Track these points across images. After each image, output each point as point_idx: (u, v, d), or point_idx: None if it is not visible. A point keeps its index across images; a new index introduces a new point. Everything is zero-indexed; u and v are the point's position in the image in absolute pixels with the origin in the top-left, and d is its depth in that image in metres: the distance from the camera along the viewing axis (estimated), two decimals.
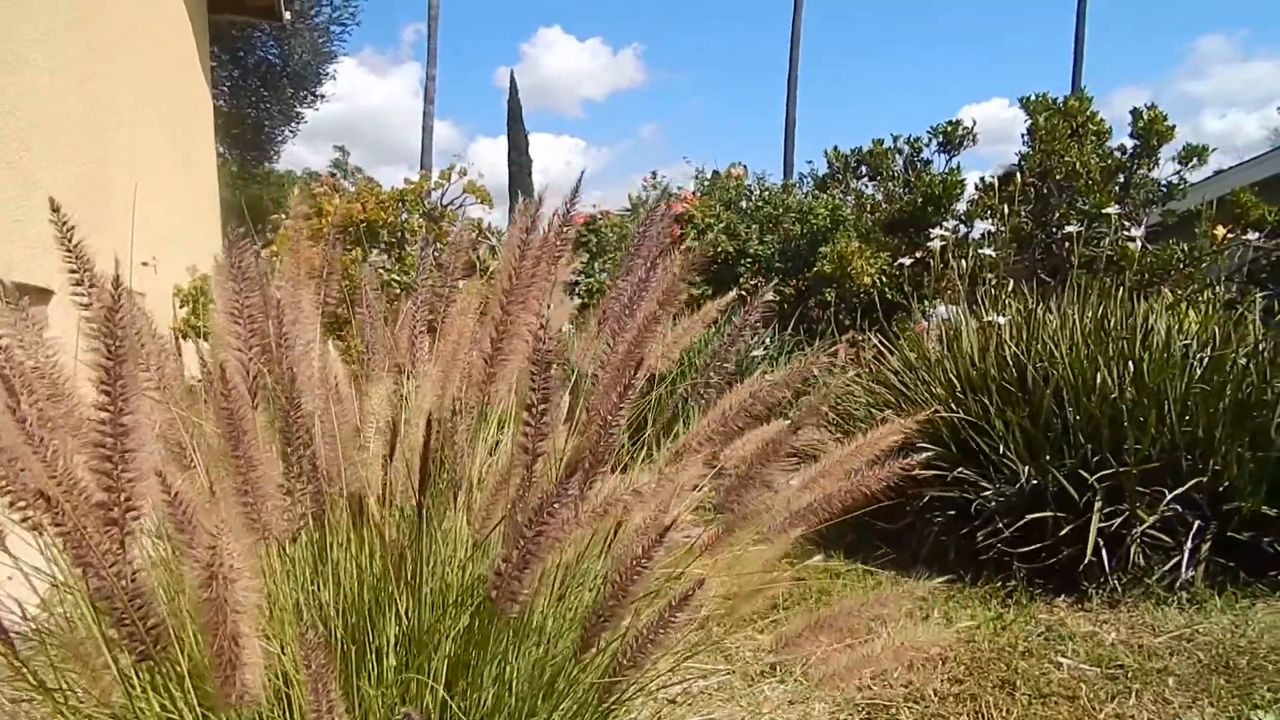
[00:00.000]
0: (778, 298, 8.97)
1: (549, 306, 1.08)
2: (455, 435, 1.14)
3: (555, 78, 63.77)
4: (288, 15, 8.90)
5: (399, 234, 4.12)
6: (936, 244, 3.57)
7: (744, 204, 9.74)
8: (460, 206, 4.61)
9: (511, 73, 36.02)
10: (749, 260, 8.84)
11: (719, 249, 8.74)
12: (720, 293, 6.02)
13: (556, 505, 0.83)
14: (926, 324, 4.30)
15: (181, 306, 5.28)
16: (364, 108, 57.92)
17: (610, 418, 0.92)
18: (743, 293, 7.13)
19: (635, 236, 1.33)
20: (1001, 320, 3.24)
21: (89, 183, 4.52)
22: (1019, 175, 4.47)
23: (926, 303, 4.46)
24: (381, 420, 1.13)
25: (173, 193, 5.95)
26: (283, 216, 4.41)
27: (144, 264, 5.20)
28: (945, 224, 3.71)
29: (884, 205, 6.00)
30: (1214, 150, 5.05)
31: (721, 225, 8.93)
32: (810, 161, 7.99)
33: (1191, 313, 4.49)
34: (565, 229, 1.08)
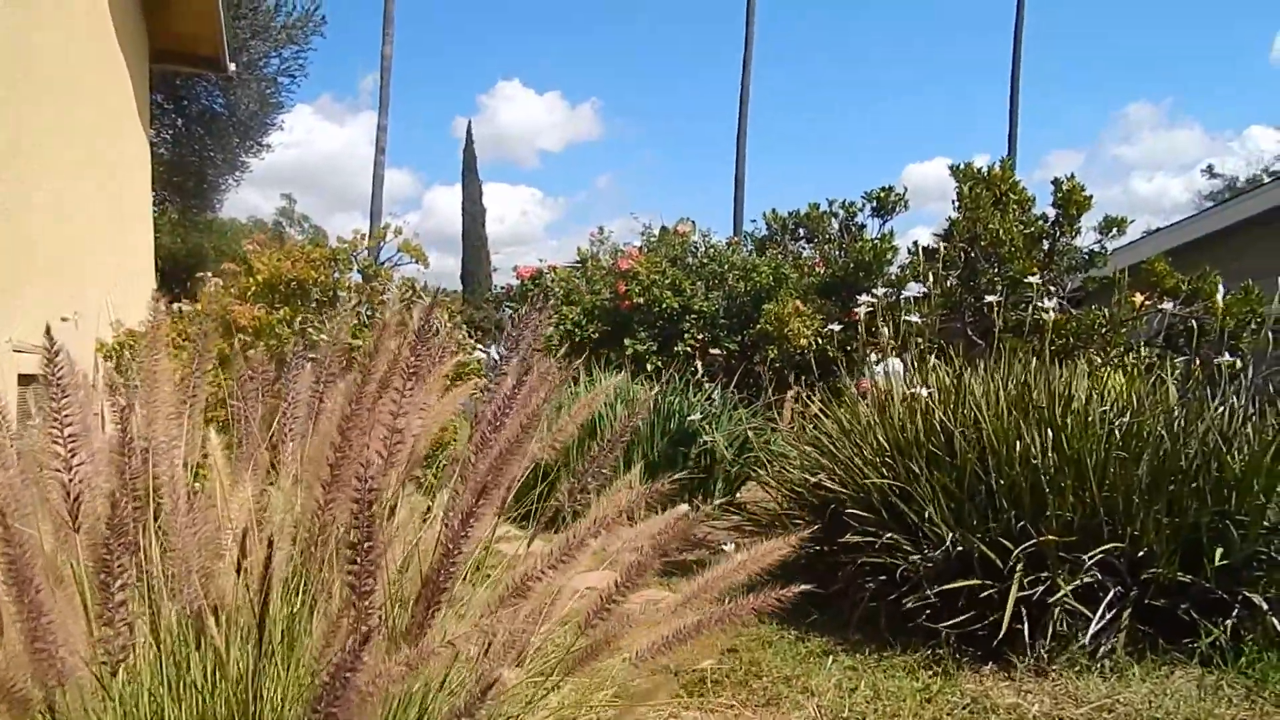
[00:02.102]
0: (722, 354, 9.05)
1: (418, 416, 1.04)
2: (317, 548, 1.09)
3: (513, 129, 64.43)
4: (233, 67, 8.86)
5: (330, 292, 4.05)
6: (864, 310, 3.64)
7: (690, 260, 9.86)
8: (396, 265, 4.58)
9: (469, 123, 36.23)
10: (694, 316, 8.92)
11: (664, 305, 8.81)
12: (665, 349, 6.04)
13: (352, 672, 0.76)
14: (870, 381, 4.35)
15: (105, 360, 5.12)
16: (320, 154, 57.72)
17: (453, 546, 0.89)
18: (687, 349, 7.15)
19: (508, 339, 1.31)
20: (925, 392, 3.29)
21: (12, 237, 4.38)
22: (947, 242, 4.60)
23: (869, 360, 4.51)
24: (238, 528, 1.08)
25: (103, 244, 5.81)
26: (208, 276, 4.32)
27: (64, 319, 5.05)
28: (875, 290, 3.78)
29: (818, 270, 6.11)
30: (1132, 221, 5.28)
31: (667, 281, 9.01)
32: (754, 221, 8.14)
33: (1116, 376, 4.63)
34: (424, 342, 1.04)
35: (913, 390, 3.34)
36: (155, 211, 14.93)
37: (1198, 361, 3.91)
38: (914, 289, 5.10)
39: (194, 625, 1.04)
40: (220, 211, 17.93)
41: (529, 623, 1.02)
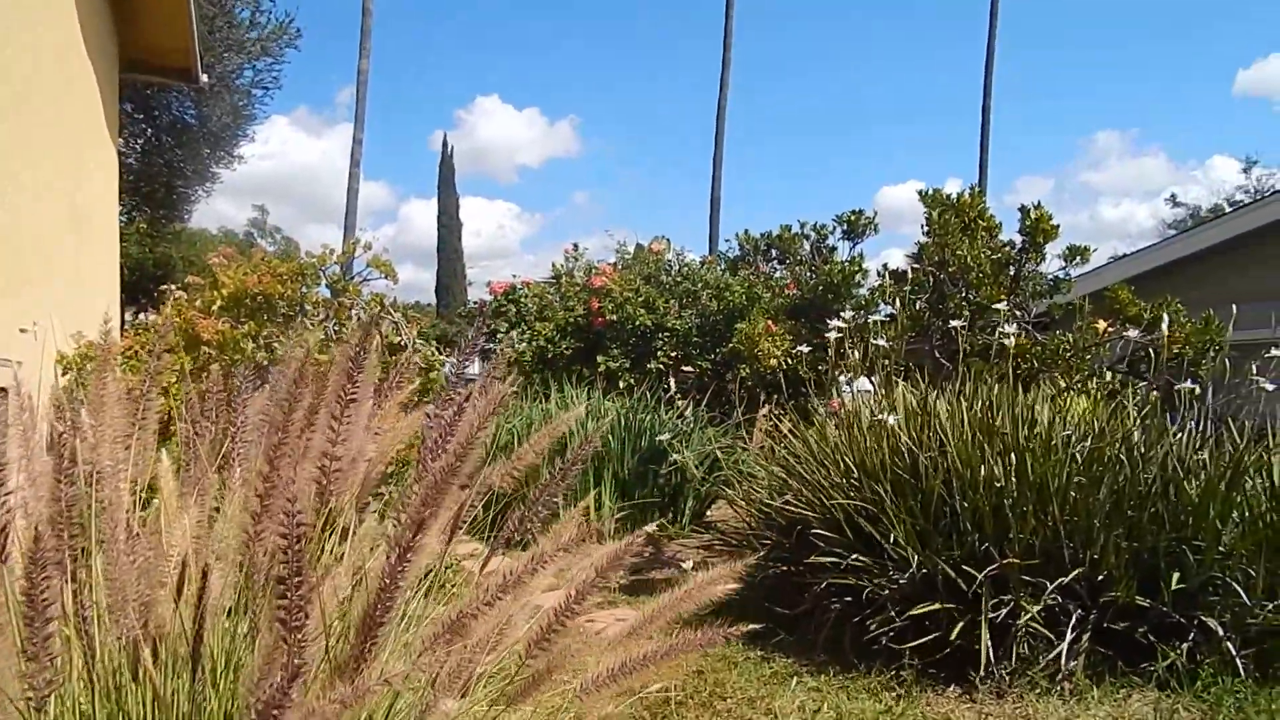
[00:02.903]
0: (695, 371, 9.07)
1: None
2: (258, 575, 1.07)
3: (492, 144, 64.49)
4: (205, 78, 8.78)
5: (297, 307, 4.02)
6: (833, 334, 3.66)
7: (664, 278, 9.89)
8: (365, 280, 4.54)
9: (445, 137, 36.11)
10: (666, 334, 8.93)
11: (637, 323, 8.82)
12: (637, 366, 6.02)
13: (280, 710, 0.75)
14: (841, 400, 4.36)
15: (64, 374, 5.03)
16: (296, 165, 57.36)
17: (389, 582, 0.87)
18: (659, 366, 7.14)
19: (450, 377, 1.29)
20: (891, 420, 3.32)
21: None
22: (916, 266, 4.66)
23: (839, 380, 4.53)
24: (180, 555, 1.06)
25: (63, 256, 5.72)
26: (171, 289, 4.27)
27: (22, 330, 4.95)
28: (843, 313, 3.82)
29: (789, 291, 6.15)
30: (1095, 250, 5.38)
31: (640, 299, 9.03)
32: (727, 240, 8.19)
33: (1081, 400, 4.69)
34: (360, 369, 1.03)
35: (878, 417, 3.37)
36: (123, 221, 14.73)
37: (1156, 388, 3.98)
38: (883, 312, 5.16)
39: (130, 656, 1.02)
40: (190, 222, 17.73)
41: (478, 650, 1.00)
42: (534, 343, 9.55)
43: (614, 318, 8.99)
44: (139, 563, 1.01)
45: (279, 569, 0.81)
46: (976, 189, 5.02)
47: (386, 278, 4.27)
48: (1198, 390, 4.52)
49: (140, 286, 16.21)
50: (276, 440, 0.91)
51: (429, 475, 0.91)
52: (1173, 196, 37.59)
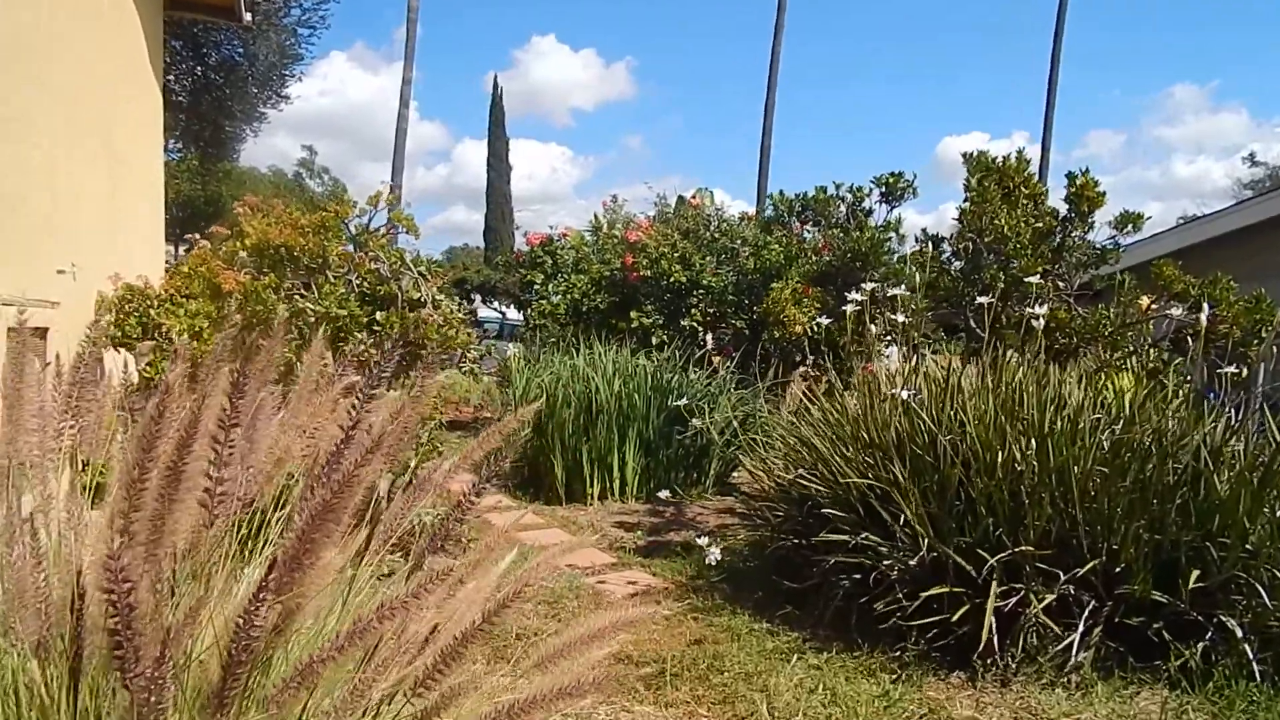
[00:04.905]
0: (729, 331, 8.95)
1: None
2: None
3: (547, 85, 63.98)
4: (249, 16, 8.75)
5: (319, 260, 4.02)
6: (850, 308, 3.55)
7: (703, 233, 9.72)
8: (391, 231, 4.53)
9: (496, 78, 35.84)
10: (701, 291, 8.81)
11: (671, 279, 8.71)
12: (671, 323, 5.97)
13: None
14: (876, 365, 4.26)
15: (105, 314, 5.14)
16: (353, 101, 57.63)
17: (241, 637, 0.82)
18: (694, 323, 7.05)
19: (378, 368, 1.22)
20: (904, 394, 3.21)
21: (3, 198, 4.37)
22: (953, 234, 4.49)
23: (881, 345, 4.41)
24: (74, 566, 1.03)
25: (101, 196, 5.79)
26: (195, 238, 4.30)
27: (60, 271, 5.06)
28: (865, 285, 3.68)
29: (824, 254, 5.99)
30: (1149, 219, 5.11)
31: (676, 255, 8.89)
32: (770, 197, 7.99)
33: (1124, 378, 4.51)
34: (242, 393, 0.96)
35: (892, 391, 3.27)
36: (175, 158, 14.95)
37: (1198, 373, 3.80)
38: (915, 281, 4.99)
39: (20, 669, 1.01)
40: (240, 160, 17.94)
41: (378, 671, 0.96)
42: (569, 295, 9.51)
43: (648, 273, 8.89)
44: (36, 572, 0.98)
45: (108, 623, 0.78)
46: (1022, 154, 4.79)
47: (409, 232, 4.24)
48: (1244, 373, 4.31)
49: (193, 223, 16.52)
50: (138, 467, 0.86)
51: (304, 514, 0.86)
52: (1251, 155, 35.85)
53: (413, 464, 3.82)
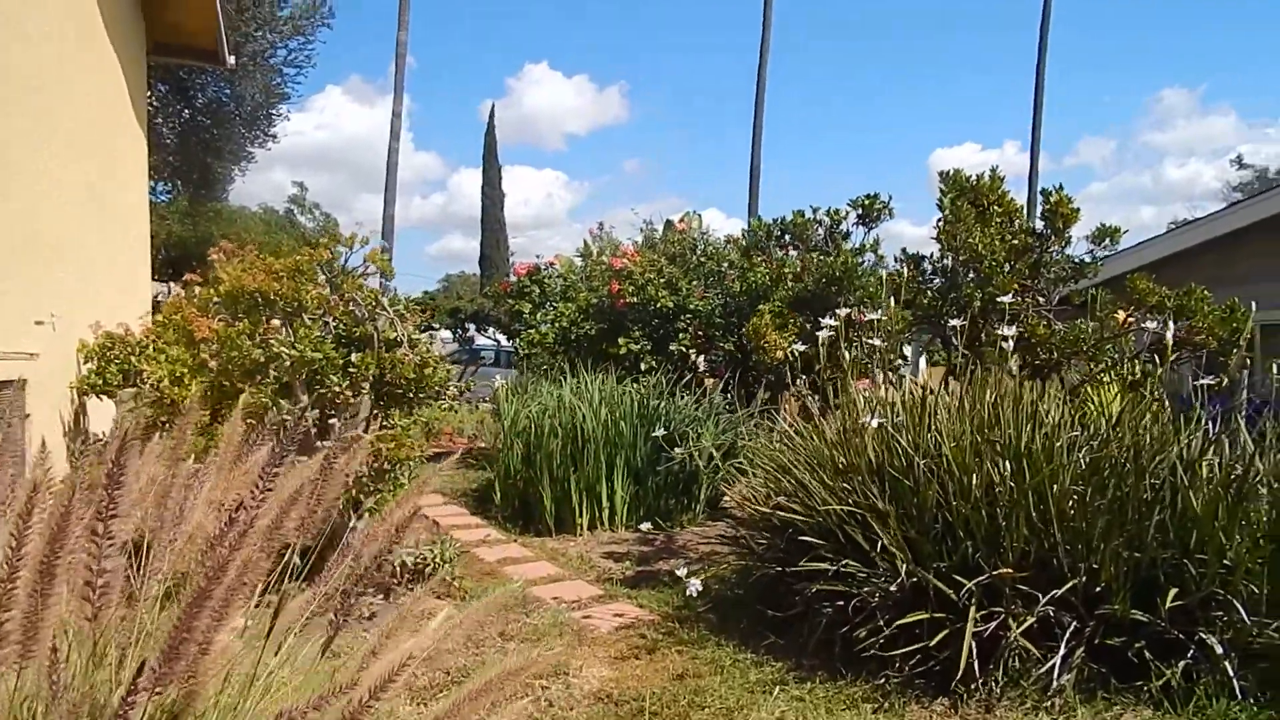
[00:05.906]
0: (720, 354, 8.95)
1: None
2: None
3: (540, 112, 64.65)
4: (232, 60, 8.84)
5: (294, 304, 4.03)
6: (824, 334, 3.55)
7: (690, 257, 9.73)
8: (364, 275, 4.54)
9: (492, 107, 36.05)
10: (689, 316, 8.81)
11: (659, 304, 8.71)
12: (660, 348, 5.96)
13: None
14: (870, 381, 4.25)
15: (86, 363, 5.14)
16: (349, 134, 58.19)
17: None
18: (681, 349, 7.05)
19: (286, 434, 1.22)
20: (874, 424, 3.21)
21: None
22: (929, 254, 4.51)
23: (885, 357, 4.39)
24: None
25: (86, 243, 5.82)
26: (193, 277, 4.31)
27: (39, 322, 5.07)
28: (840, 309, 3.69)
29: (802, 277, 6.01)
30: (1125, 233, 5.12)
31: (663, 280, 8.90)
32: (750, 221, 8.03)
33: (1104, 392, 4.50)
34: (124, 468, 0.95)
35: (863, 421, 3.26)
36: (165, 200, 15.02)
37: (1174, 383, 3.80)
38: (890, 304, 4.99)
39: None
40: (229, 199, 18.02)
41: None
42: (557, 324, 9.53)
43: (635, 300, 8.90)
44: None
45: None
46: (995, 172, 4.82)
47: (383, 275, 4.25)
48: (1223, 382, 4.32)
49: (185, 263, 16.57)
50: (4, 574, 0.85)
51: (183, 603, 0.86)
52: (1239, 158, 36.03)
53: (378, 506, 3.81)
